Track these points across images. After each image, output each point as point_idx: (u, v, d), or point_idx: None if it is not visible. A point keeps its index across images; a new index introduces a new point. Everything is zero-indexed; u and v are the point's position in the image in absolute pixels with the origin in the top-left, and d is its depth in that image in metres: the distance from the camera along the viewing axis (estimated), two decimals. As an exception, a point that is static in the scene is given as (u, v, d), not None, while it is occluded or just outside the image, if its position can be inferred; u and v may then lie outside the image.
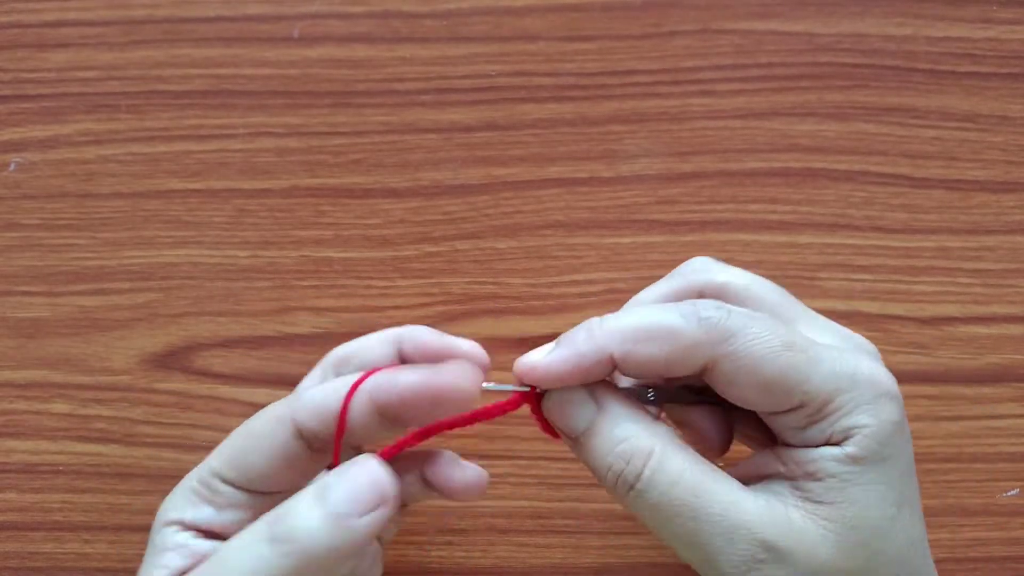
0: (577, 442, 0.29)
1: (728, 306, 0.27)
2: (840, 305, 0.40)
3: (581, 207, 0.41)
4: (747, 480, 0.28)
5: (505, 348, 0.40)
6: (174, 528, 0.29)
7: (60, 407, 0.41)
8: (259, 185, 0.42)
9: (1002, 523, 0.40)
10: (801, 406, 0.27)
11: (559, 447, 0.40)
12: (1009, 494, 0.40)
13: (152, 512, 0.41)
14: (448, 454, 0.31)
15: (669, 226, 0.41)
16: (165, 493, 0.41)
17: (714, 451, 0.31)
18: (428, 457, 0.31)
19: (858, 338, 0.30)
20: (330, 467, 0.28)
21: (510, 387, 0.29)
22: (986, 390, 0.40)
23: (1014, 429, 0.40)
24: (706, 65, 0.42)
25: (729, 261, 0.41)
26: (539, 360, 0.28)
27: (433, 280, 0.41)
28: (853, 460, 0.26)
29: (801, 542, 0.26)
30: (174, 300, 0.42)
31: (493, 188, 0.42)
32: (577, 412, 0.28)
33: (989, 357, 0.40)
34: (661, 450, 0.27)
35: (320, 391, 0.28)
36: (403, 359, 0.32)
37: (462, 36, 0.42)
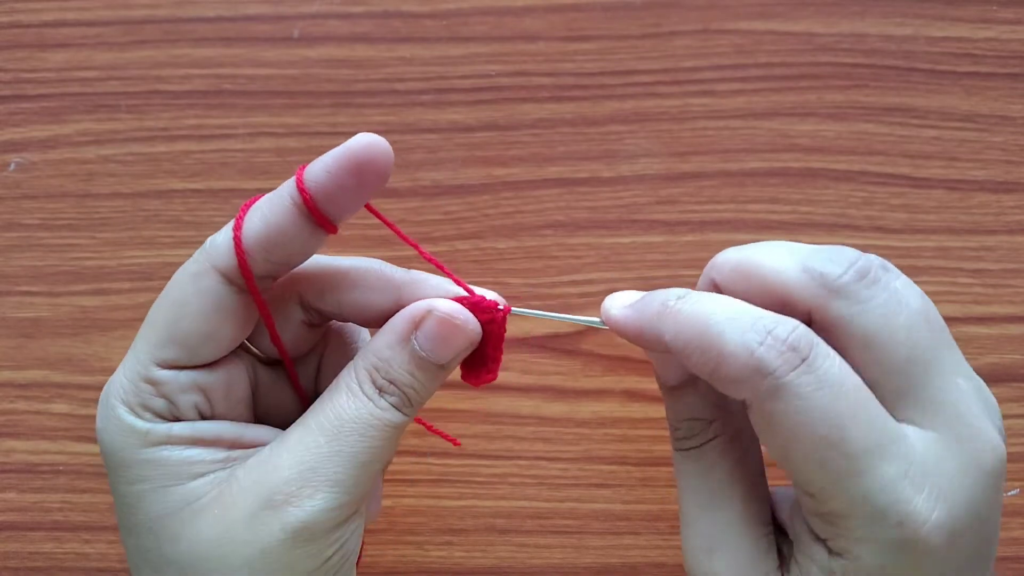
0: (668, 391, 0.30)
1: (810, 347, 0.24)
2: (840, 305, 0.40)
3: (581, 207, 0.41)
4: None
5: (505, 348, 0.40)
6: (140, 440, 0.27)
7: (60, 407, 0.41)
8: (259, 185, 0.42)
9: (1002, 523, 0.39)
10: (813, 497, 0.25)
11: (559, 447, 0.40)
12: (1009, 494, 0.40)
13: (152, 512, 0.41)
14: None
15: (669, 226, 0.41)
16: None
17: None
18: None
19: (988, 414, 0.26)
20: (257, 305, 0.28)
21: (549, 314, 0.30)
22: (986, 390, 0.40)
23: (1014, 429, 0.40)
24: (706, 65, 0.42)
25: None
26: (614, 310, 0.28)
27: (433, 280, 0.41)
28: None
29: None
30: (174, 300, 0.42)
31: (493, 188, 0.42)
32: (673, 371, 0.29)
33: (989, 357, 0.40)
34: (730, 433, 0.28)
35: (228, 229, 0.28)
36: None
37: (462, 36, 0.42)
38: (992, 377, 0.40)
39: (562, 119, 0.42)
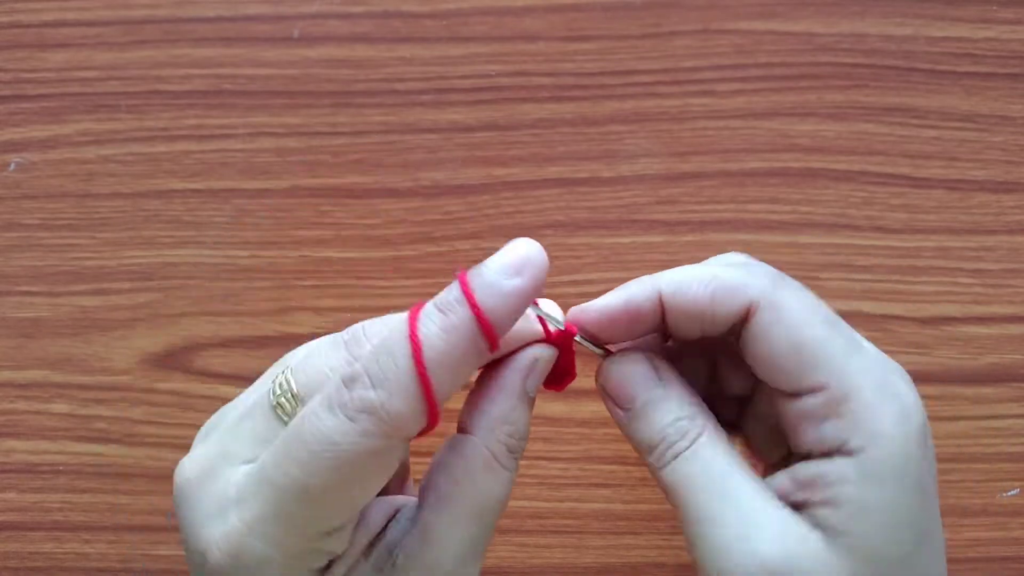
0: (631, 411, 0.29)
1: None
2: (840, 305, 0.40)
3: (581, 207, 0.41)
4: None
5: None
6: None
7: (60, 407, 0.41)
8: (259, 185, 0.42)
9: (1002, 523, 0.40)
10: (823, 388, 0.25)
11: (559, 447, 0.40)
12: (1009, 494, 0.40)
13: (152, 512, 0.41)
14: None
15: (669, 226, 0.41)
16: (165, 493, 0.41)
17: None
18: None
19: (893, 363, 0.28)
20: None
21: (559, 319, 0.29)
22: (986, 390, 0.40)
23: (1014, 429, 0.40)
24: (706, 65, 0.42)
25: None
26: (593, 303, 0.28)
27: (433, 280, 0.41)
28: (872, 478, 0.25)
29: (810, 570, 0.25)
30: (174, 300, 0.42)
31: (493, 188, 0.42)
32: (641, 382, 0.28)
33: (989, 357, 0.40)
34: (710, 432, 0.28)
35: (405, 389, 0.24)
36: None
37: (462, 36, 0.42)
38: (992, 377, 0.40)
39: (562, 119, 0.42)
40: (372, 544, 0.27)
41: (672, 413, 0.28)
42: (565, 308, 0.41)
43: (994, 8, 0.41)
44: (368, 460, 0.24)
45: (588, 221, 0.41)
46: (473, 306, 0.24)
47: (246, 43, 0.42)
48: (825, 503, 0.25)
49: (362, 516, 0.27)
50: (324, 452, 0.23)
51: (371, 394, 0.23)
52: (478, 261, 0.41)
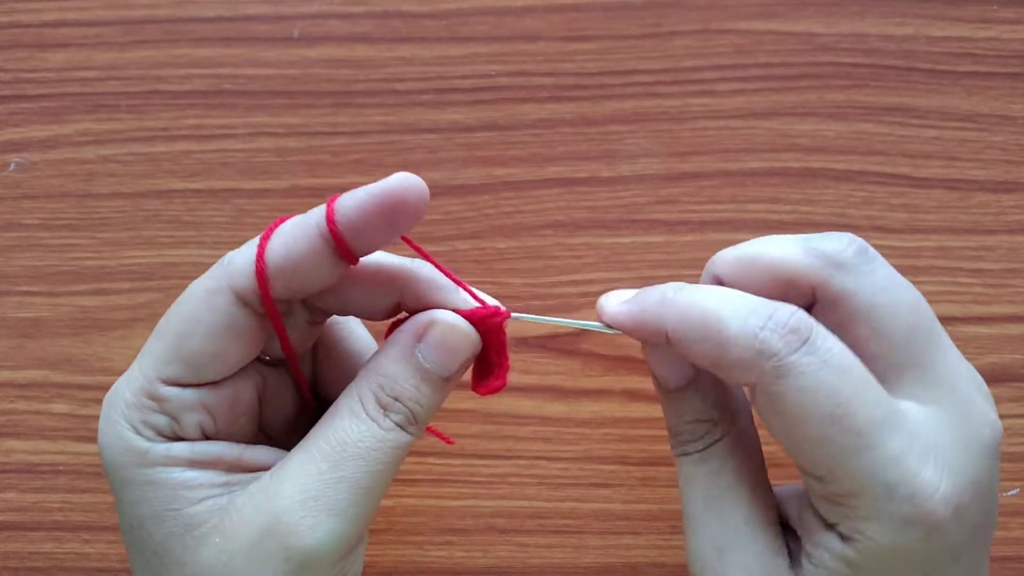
0: (666, 394, 0.29)
1: (809, 329, 0.24)
2: (840, 305, 0.40)
3: (581, 207, 0.41)
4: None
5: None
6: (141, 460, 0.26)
7: (60, 407, 0.41)
8: (259, 185, 0.42)
9: (1002, 523, 0.40)
10: (823, 479, 0.25)
11: (559, 447, 0.40)
12: (1009, 494, 0.40)
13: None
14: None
15: (669, 226, 0.41)
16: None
17: None
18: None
19: (981, 393, 0.27)
20: (274, 326, 0.27)
21: (540, 319, 0.30)
22: (986, 390, 0.40)
23: (1014, 429, 0.40)
24: (706, 65, 0.42)
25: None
26: (611, 307, 0.28)
27: (433, 280, 0.41)
28: (849, 565, 0.25)
29: None
30: (174, 300, 0.42)
31: (493, 188, 0.42)
32: (675, 371, 0.29)
33: (989, 357, 0.40)
34: (728, 442, 0.28)
35: (248, 248, 0.27)
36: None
37: (462, 36, 0.42)
38: (992, 377, 0.40)
39: (562, 119, 0.42)
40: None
41: (693, 413, 0.28)
42: (565, 308, 0.41)
43: (994, 8, 0.41)
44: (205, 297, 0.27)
45: (588, 221, 0.41)
46: (328, 206, 0.26)
47: (246, 43, 0.42)
48: (813, 560, 0.26)
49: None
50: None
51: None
52: (478, 261, 0.41)
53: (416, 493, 0.40)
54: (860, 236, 0.41)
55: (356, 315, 0.30)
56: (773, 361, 0.24)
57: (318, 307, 0.30)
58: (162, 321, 0.28)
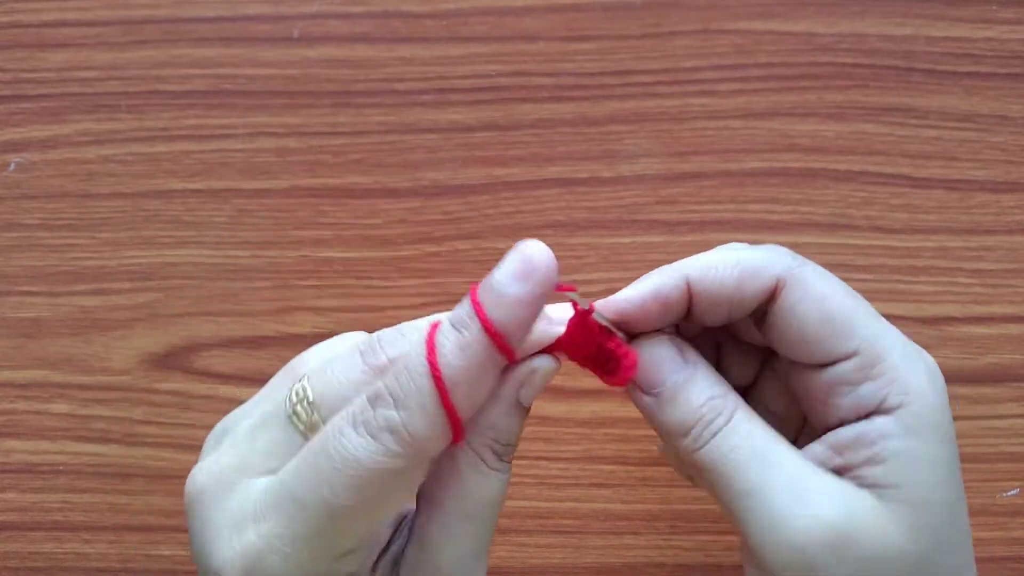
0: (660, 394, 0.28)
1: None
2: (840, 305, 0.40)
3: (581, 207, 0.41)
4: None
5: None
6: None
7: (60, 407, 0.41)
8: (259, 185, 0.42)
9: (1002, 523, 0.40)
10: (856, 353, 0.26)
11: (559, 447, 0.40)
12: (1009, 494, 0.40)
13: (152, 512, 0.41)
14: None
15: (669, 226, 0.41)
16: (165, 493, 0.41)
17: None
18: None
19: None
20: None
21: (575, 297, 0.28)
22: (986, 390, 0.40)
23: (1014, 429, 0.40)
24: (706, 65, 0.42)
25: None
26: (620, 294, 0.28)
27: (433, 280, 0.41)
28: (914, 432, 0.25)
29: (869, 526, 0.25)
30: (174, 300, 0.42)
31: (493, 188, 0.42)
32: (669, 365, 0.28)
33: (989, 357, 0.40)
34: (744, 408, 0.28)
35: (421, 399, 0.24)
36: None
37: (462, 36, 0.42)
38: (992, 377, 0.40)
39: (562, 119, 0.42)
40: (379, 558, 0.28)
41: (705, 392, 0.28)
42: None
43: (994, 8, 0.41)
44: (391, 479, 0.24)
45: (588, 221, 0.41)
46: (484, 321, 0.24)
47: (246, 43, 0.42)
48: (870, 461, 0.25)
49: None
50: (347, 470, 0.23)
51: (394, 414, 0.24)
52: (478, 261, 0.41)
53: (416, 493, 0.40)
54: (860, 236, 0.41)
55: None
56: (791, 256, 0.27)
57: None
58: (324, 500, 0.24)
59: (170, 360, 0.41)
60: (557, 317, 0.28)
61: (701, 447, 0.27)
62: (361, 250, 0.41)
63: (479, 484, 0.27)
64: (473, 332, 0.24)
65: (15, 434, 0.41)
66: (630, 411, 0.40)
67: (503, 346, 0.24)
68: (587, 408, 0.40)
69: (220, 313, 0.41)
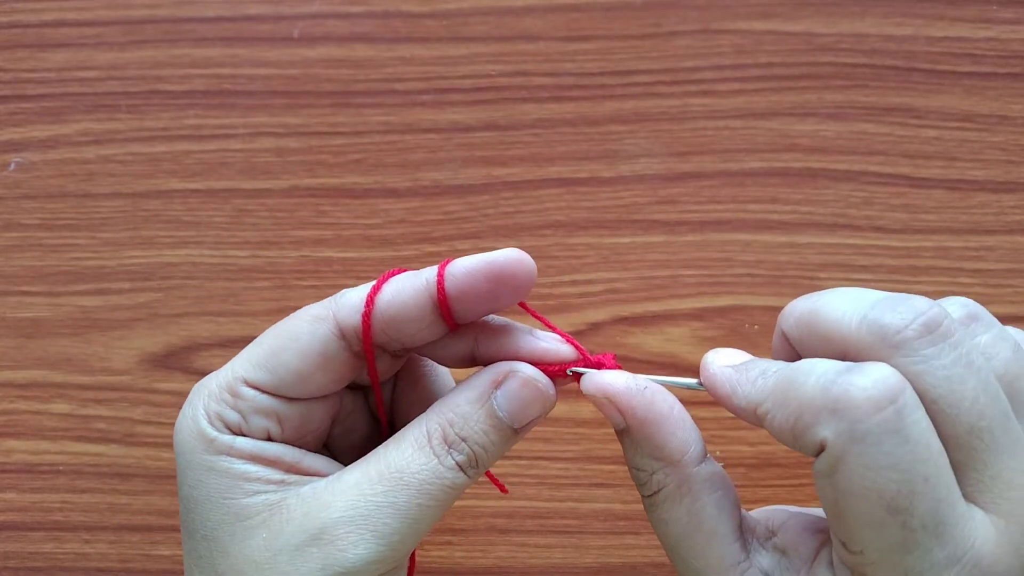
0: (618, 432, 0.29)
1: (899, 394, 0.22)
2: (840, 305, 0.40)
3: (581, 207, 0.41)
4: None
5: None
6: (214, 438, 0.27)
7: (60, 407, 0.41)
8: (259, 185, 0.42)
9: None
10: (854, 554, 0.24)
11: (559, 447, 0.40)
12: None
13: (152, 512, 0.41)
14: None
15: (669, 226, 0.41)
16: (165, 493, 0.41)
17: None
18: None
19: None
20: (368, 367, 0.28)
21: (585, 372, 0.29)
22: (986, 390, 0.40)
23: (1014, 429, 0.40)
24: (706, 65, 0.42)
25: (729, 261, 0.41)
26: (712, 367, 0.27)
27: (433, 280, 0.41)
28: None
29: None
30: (174, 300, 0.42)
31: (493, 188, 0.42)
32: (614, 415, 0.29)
33: (989, 357, 0.40)
34: (696, 489, 0.28)
35: (363, 290, 0.27)
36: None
37: (462, 36, 0.42)
38: (992, 377, 0.40)
39: (562, 119, 0.42)
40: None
41: (631, 458, 0.30)
42: (565, 308, 0.41)
43: (994, 8, 0.41)
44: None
45: (588, 221, 0.41)
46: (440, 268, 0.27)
47: (246, 43, 0.42)
48: None
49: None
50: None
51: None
52: (478, 261, 0.41)
53: (416, 493, 0.40)
54: (860, 236, 0.41)
55: (433, 359, 0.31)
56: (848, 424, 0.22)
57: (406, 347, 0.30)
58: (268, 330, 0.29)
59: (170, 360, 0.41)
60: (552, 347, 0.29)
61: (647, 503, 0.30)
62: (361, 250, 0.41)
63: (410, 456, 0.27)
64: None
65: (15, 434, 0.41)
66: (630, 411, 0.40)
67: (440, 282, 0.27)
68: (587, 408, 0.40)
69: (220, 313, 0.41)
